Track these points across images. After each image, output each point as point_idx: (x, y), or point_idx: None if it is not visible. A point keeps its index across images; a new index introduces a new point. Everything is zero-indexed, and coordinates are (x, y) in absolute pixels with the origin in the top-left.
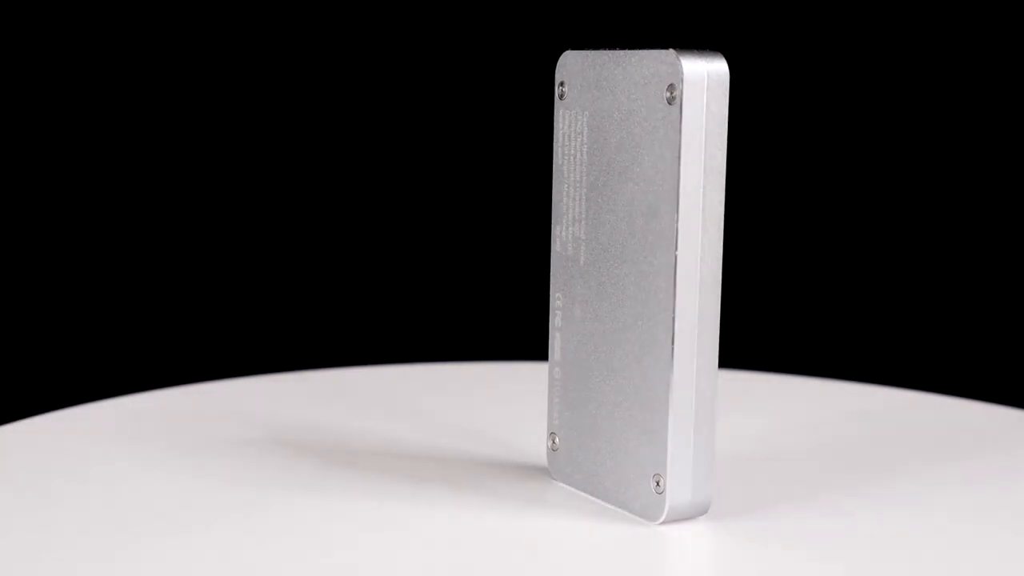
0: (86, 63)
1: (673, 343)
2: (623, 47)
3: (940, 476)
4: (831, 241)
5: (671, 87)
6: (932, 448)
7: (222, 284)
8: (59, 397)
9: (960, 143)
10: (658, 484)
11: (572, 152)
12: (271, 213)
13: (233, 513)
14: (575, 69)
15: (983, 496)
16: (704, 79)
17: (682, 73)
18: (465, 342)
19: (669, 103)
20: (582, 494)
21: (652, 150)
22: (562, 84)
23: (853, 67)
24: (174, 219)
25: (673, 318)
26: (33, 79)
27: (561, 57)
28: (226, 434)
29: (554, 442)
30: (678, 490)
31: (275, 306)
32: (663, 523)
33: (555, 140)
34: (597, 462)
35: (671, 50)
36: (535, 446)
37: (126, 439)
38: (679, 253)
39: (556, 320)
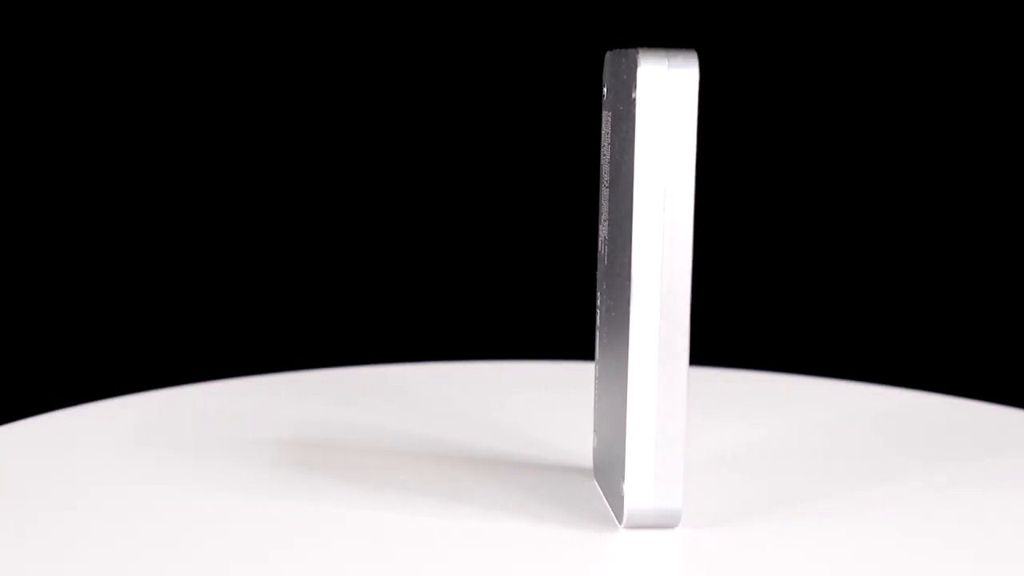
0: (86, 63)
1: (628, 345)
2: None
3: (939, 480)
4: (834, 241)
5: (637, 87)
6: (933, 450)
7: (243, 283)
8: (59, 397)
9: (962, 144)
10: (622, 488)
11: (605, 153)
12: (297, 213)
13: (245, 517)
14: (610, 70)
15: (982, 500)
16: (665, 80)
17: (636, 74)
18: (522, 341)
19: (635, 103)
20: (600, 494)
21: (629, 150)
22: (604, 85)
23: (865, 67)
24: (186, 219)
25: (629, 321)
26: (33, 79)
27: (605, 57)
28: (244, 435)
29: (596, 441)
30: (639, 495)
31: (298, 304)
32: (631, 528)
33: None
34: (606, 462)
35: (636, 49)
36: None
37: (141, 438)
38: (634, 255)
39: (598, 319)
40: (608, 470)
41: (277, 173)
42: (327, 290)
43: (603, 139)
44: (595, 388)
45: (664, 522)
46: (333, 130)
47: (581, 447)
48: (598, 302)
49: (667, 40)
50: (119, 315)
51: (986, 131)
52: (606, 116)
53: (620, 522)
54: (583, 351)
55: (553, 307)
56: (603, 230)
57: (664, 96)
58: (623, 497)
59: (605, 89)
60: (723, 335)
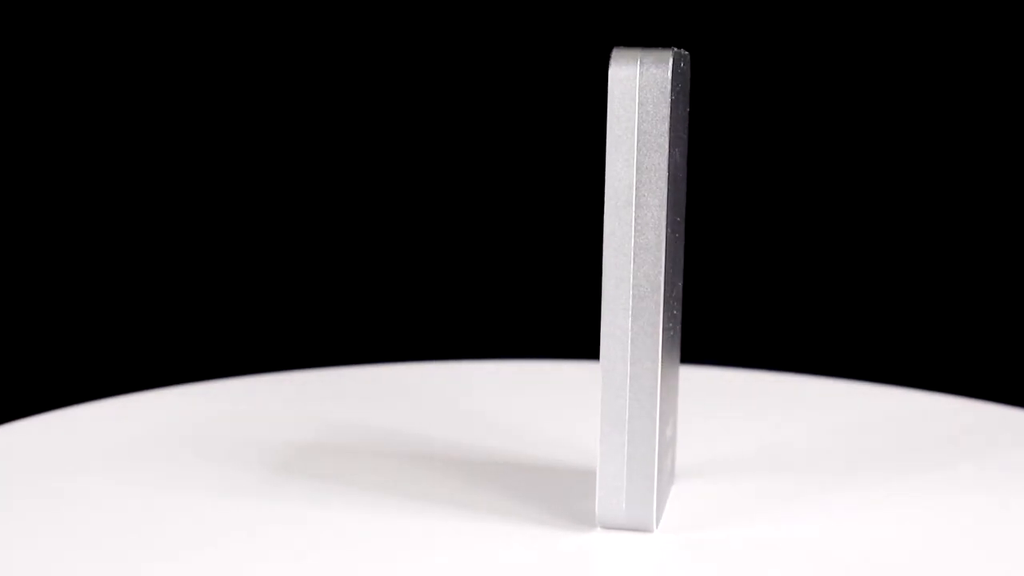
0: (86, 63)
1: (600, 347)
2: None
3: (928, 481)
4: (842, 240)
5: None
6: (930, 451)
7: (243, 283)
8: (59, 397)
9: (973, 147)
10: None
11: None
12: (297, 212)
13: (236, 518)
14: None
15: (979, 501)
16: (634, 78)
17: (608, 72)
18: (534, 340)
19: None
20: None
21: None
22: None
23: (872, 63)
24: (186, 219)
25: (601, 319)
26: (33, 79)
27: None
28: (241, 435)
29: None
30: (610, 498)
31: (297, 304)
32: (608, 528)
33: None
34: None
35: (615, 48)
36: None
37: (139, 439)
38: (606, 254)
39: None
40: None
41: (276, 172)
42: (327, 290)
43: None
44: None
45: (638, 525)
46: (333, 130)
47: (586, 446)
48: None
49: (697, 38)
50: (119, 315)
51: (997, 129)
52: None
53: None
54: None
55: (565, 306)
56: None
57: (634, 95)
58: (596, 499)
59: None
60: (733, 335)
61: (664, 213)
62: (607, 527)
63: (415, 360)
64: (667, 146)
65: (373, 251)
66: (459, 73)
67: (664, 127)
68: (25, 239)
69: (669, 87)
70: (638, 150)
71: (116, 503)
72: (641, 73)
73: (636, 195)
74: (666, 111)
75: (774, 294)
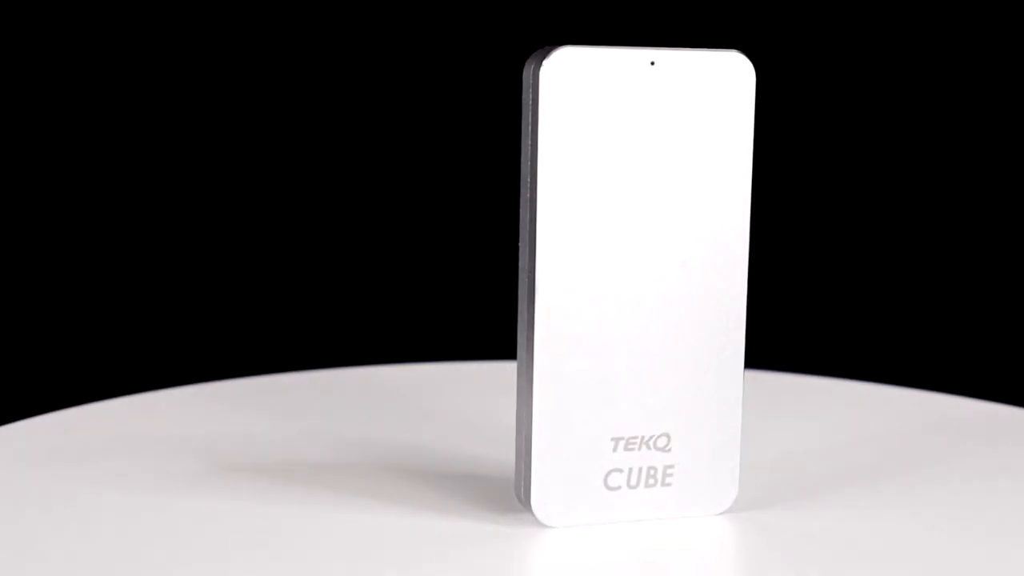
0: (86, 63)
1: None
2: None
3: (909, 481)
4: (861, 246)
5: None
6: (924, 450)
7: (227, 286)
8: (54, 399)
9: (983, 149)
10: None
11: None
12: (257, 215)
13: (183, 518)
14: None
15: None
16: (529, 81)
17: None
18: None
19: None
20: None
21: None
22: None
23: (872, 63)
24: (168, 225)
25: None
26: (33, 79)
27: None
28: (202, 437)
29: None
30: (514, 482)
31: (268, 308)
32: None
33: None
34: None
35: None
36: None
37: (124, 441)
38: (520, 247)
39: None
40: None
41: (254, 177)
42: (303, 293)
43: None
44: None
45: (530, 511)
46: (321, 134)
47: None
48: None
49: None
50: (112, 318)
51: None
52: None
53: None
54: None
55: None
56: None
57: (530, 94)
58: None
59: None
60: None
61: (537, 209)
62: (533, 511)
63: (380, 363)
64: (536, 145)
65: (333, 253)
66: (455, 74)
67: (535, 127)
68: (25, 240)
69: (538, 87)
70: (530, 148)
71: (100, 503)
72: (530, 73)
73: (529, 193)
74: (534, 110)
75: (791, 297)
